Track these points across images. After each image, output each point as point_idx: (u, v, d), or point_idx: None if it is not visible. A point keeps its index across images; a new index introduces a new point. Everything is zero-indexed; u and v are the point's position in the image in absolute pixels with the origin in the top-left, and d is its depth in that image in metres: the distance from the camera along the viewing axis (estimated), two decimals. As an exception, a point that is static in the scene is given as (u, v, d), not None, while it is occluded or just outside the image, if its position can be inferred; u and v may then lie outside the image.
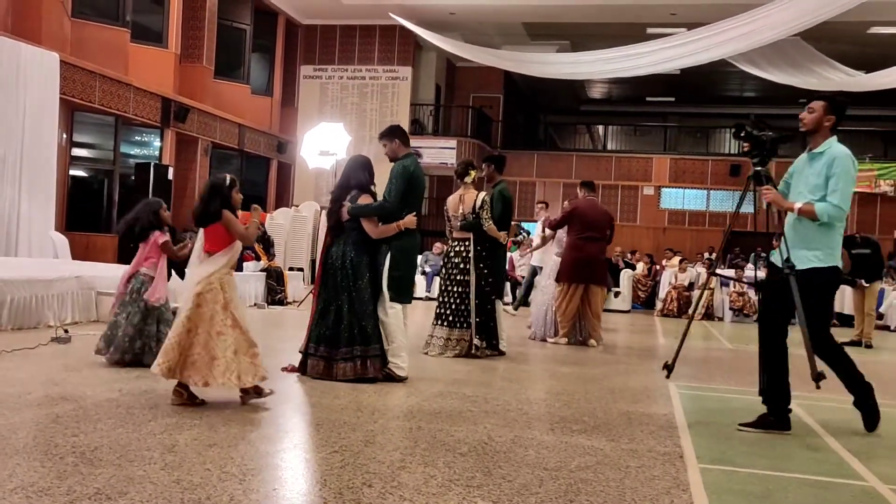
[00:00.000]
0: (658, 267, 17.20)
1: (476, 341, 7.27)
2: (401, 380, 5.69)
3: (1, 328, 7.24)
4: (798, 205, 4.65)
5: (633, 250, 19.17)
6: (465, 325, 7.28)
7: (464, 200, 7.39)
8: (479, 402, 5.21)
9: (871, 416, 4.90)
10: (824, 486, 3.70)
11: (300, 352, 5.81)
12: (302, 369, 5.75)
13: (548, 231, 9.69)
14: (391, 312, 5.76)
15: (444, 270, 7.49)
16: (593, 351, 8.68)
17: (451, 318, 7.29)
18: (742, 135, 4.90)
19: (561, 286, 9.01)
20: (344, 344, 5.59)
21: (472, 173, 7.48)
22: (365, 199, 5.81)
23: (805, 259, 4.65)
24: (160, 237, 5.85)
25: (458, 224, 7.38)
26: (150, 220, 5.86)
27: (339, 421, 4.37)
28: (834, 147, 4.69)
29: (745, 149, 4.92)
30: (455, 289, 7.30)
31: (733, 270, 15.65)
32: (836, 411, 5.86)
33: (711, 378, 7.18)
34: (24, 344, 6.29)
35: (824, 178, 4.62)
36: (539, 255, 12.84)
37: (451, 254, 7.42)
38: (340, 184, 6.00)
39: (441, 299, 7.40)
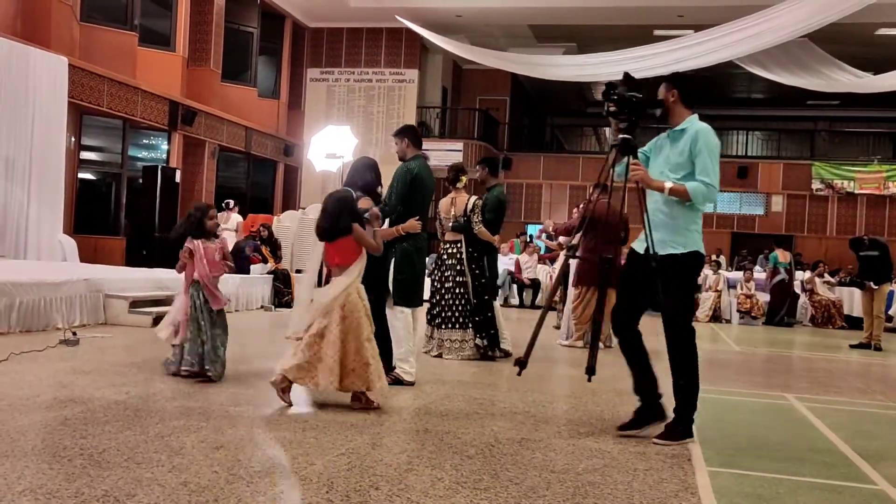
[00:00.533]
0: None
1: (478, 341, 7.28)
2: (408, 384, 5.68)
3: (10, 330, 7.26)
4: (669, 184, 4.30)
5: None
6: (472, 326, 7.31)
7: (455, 203, 7.44)
8: (486, 404, 5.21)
9: (678, 427, 4.38)
10: (834, 489, 3.68)
11: None
12: None
13: (562, 238, 9.58)
14: (399, 317, 5.74)
15: (438, 272, 7.49)
16: (601, 353, 8.63)
17: (459, 320, 7.29)
18: (611, 93, 4.48)
19: (578, 290, 8.94)
20: None
21: (464, 179, 7.53)
22: (365, 202, 5.76)
23: (664, 244, 4.36)
24: (203, 246, 5.54)
25: (450, 225, 7.41)
26: (193, 228, 5.57)
27: (345, 423, 4.37)
28: (695, 123, 4.44)
29: (611, 109, 4.45)
30: (457, 290, 7.33)
31: (742, 273, 15.61)
32: (845, 414, 5.84)
33: (719, 380, 7.15)
34: (33, 346, 6.32)
35: (688, 155, 4.34)
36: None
37: (445, 256, 7.45)
38: (346, 185, 5.99)
39: (437, 300, 7.41)
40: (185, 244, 5.56)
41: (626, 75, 4.59)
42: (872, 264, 11.01)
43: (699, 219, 4.44)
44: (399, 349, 5.71)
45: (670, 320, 4.46)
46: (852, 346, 11.04)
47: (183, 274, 5.63)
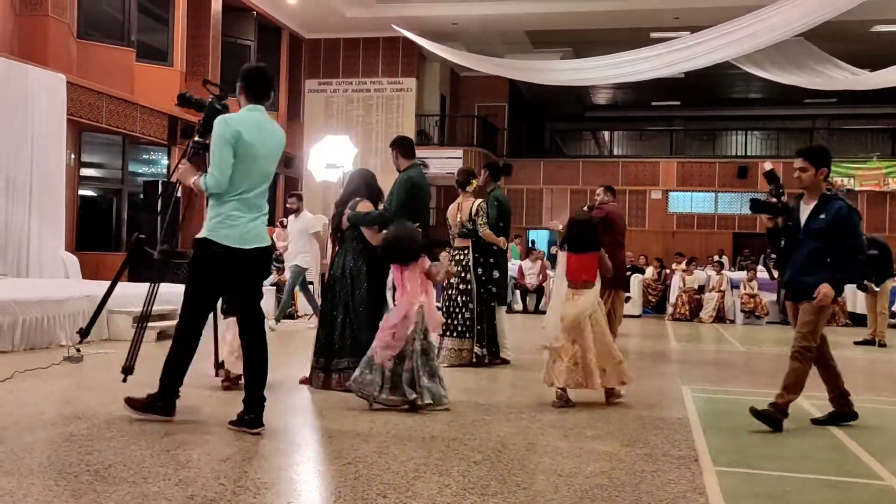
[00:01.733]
0: (668, 271, 17.16)
1: (477, 349, 7.24)
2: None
3: (13, 349, 7.26)
4: (196, 179, 4.38)
5: (642, 255, 19.13)
6: (468, 335, 7.26)
7: (461, 209, 7.43)
8: (492, 410, 5.20)
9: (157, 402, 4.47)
10: (842, 486, 3.67)
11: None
12: (310, 381, 5.75)
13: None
14: None
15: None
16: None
17: (458, 329, 7.26)
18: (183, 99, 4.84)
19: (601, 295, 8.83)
20: (337, 355, 5.59)
21: (474, 182, 7.53)
22: (365, 206, 5.78)
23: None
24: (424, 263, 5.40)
25: (457, 232, 7.40)
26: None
27: (351, 432, 4.37)
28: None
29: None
30: (459, 298, 7.30)
31: (745, 273, 15.59)
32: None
33: (724, 381, 7.14)
34: (37, 364, 6.31)
35: None
36: (300, 255, 10.28)
37: (452, 263, 7.38)
38: (350, 192, 5.98)
39: (442, 308, 7.32)
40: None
41: (204, 81, 4.94)
42: (873, 263, 10.99)
43: (227, 208, 4.32)
44: None
45: (180, 317, 4.58)
46: (856, 343, 11.02)
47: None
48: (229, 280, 4.41)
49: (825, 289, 4.77)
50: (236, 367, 5.35)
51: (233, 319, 5.95)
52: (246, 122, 4.35)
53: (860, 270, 5.05)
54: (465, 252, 7.38)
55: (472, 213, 7.32)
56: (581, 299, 5.43)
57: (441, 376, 5.21)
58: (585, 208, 9.62)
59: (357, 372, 5.08)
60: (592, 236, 5.58)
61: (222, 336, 5.77)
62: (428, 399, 5.03)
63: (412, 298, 5.16)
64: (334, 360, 5.61)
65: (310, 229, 10.35)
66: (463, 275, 7.33)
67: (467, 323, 7.26)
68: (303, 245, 10.34)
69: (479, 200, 7.47)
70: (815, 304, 4.83)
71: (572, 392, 5.43)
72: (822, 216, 4.93)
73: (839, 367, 5.17)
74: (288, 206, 10.77)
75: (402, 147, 6.18)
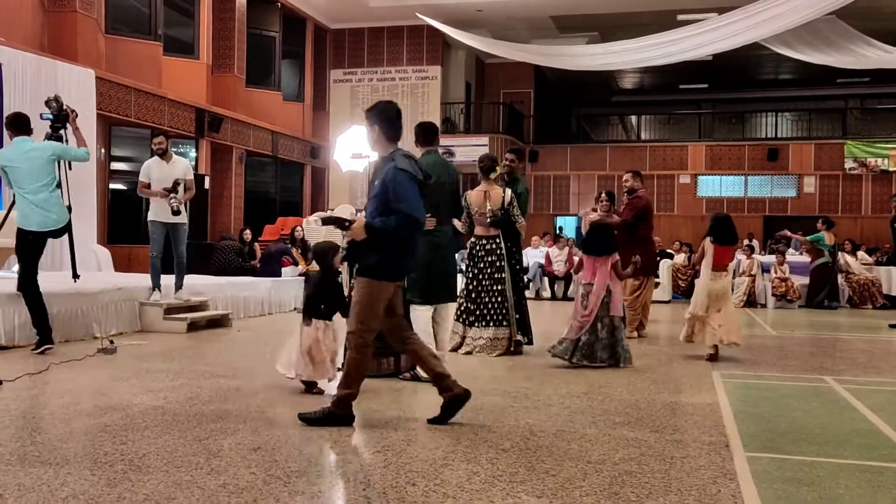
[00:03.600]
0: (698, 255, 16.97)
1: (520, 338, 7.21)
2: (427, 382, 5.63)
3: (49, 341, 7.39)
4: None
5: (682, 241, 18.91)
6: (505, 323, 7.20)
7: (490, 196, 7.17)
8: (520, 397, 5.20)
9: None
10: (877, 471, 3.63)
11: None
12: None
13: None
14: (413, 315, 5.75)
15: (472, 269, 7.28)
16: (634, 342, 8.57)
17: (495, 318, 7.18)
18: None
19: (638, 280, 8.75)
20: None
21: (498, 169, 7.38)
22: None
23: None
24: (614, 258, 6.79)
25: (487, 221, 7.20)
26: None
27: (380, 421, 4.39)
28: None
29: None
30: (494, 287, 7.19)
31: (774, 256, 15.40)
32: (887, 394, 5.75)
33: (756, 365, 7.07)
34: (72, 356, 6.42)
35: None
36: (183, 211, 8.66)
37: (482, 252, 7.23)
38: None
39: (472, 298, 7.22)
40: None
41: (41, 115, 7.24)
42: None
43: (21, 206, 6.71)
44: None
45: None
46: (892, 326, 10.85)
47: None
48: (36, 250, 6.77)
49: (357, 224, 4.20)
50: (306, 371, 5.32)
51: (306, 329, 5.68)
52: (8, 152, 6.79)
53: (403, 228, 4.20)
54: (497, 241, 7.21)
55: (506, 204, 7.18)
56: (724, 278, 7.16)
57: (625, 345, 6.72)
58: (604, 194, 9.32)
59: (559, 345, 6.69)
60: (734, 233, 7.19)
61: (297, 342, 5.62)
62: (622, 362, 6.60)
63: (602, 287, 6.60)
64: None
65: (187, 175, 8.75)
66: (498, 264, 7.19)
67: (503, 312, 7.19)
68: (179, 195, 8.52)
69: (510, 190, 7.32)
70: (347, 237, 4.27)
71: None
72: (378, 181, 4.36)
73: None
74: (156, 146, 8.74)
75: (417, 134, 6.02)
